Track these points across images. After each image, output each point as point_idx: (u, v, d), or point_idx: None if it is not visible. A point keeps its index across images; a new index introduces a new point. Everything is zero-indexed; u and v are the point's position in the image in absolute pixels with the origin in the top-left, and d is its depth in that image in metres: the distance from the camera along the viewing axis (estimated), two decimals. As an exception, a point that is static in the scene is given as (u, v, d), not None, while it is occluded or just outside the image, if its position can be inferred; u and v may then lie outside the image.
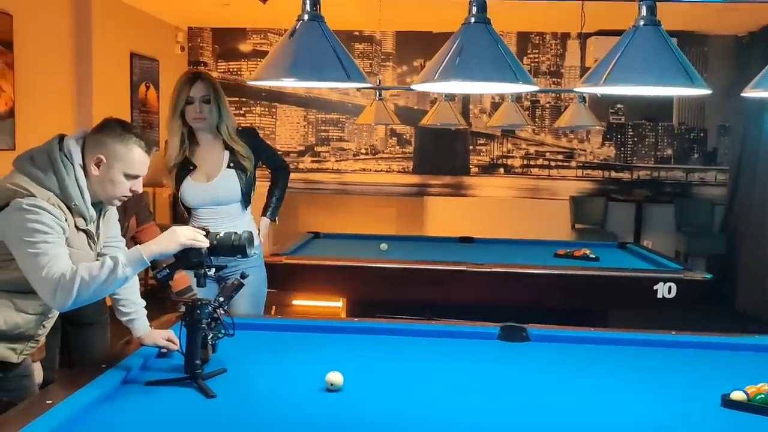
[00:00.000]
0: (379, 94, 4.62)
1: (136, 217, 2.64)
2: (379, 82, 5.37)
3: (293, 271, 4.00)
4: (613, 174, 7.01)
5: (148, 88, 6.30)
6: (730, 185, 6.68)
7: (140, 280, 2.27)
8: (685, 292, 3.62)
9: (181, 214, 2.97)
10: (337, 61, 1.77)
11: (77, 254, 1.85)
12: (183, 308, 2.02)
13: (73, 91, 5.14)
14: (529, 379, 2.01)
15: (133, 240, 2.60)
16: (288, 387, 1.89)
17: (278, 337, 2.37)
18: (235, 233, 1.91)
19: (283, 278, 3.98)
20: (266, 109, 7.25)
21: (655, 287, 3.62)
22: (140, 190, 1.96)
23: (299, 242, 4.75)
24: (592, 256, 4.18)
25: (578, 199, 6.95)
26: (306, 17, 1.80)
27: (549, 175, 7.06)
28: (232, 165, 2.82)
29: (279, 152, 3.27)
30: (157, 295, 2.26)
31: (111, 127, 1.90)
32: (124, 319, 2.11)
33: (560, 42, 6.97)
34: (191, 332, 1.90)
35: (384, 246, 4.65)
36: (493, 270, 3.83)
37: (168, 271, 1.85)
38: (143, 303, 2.16)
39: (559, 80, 6.98)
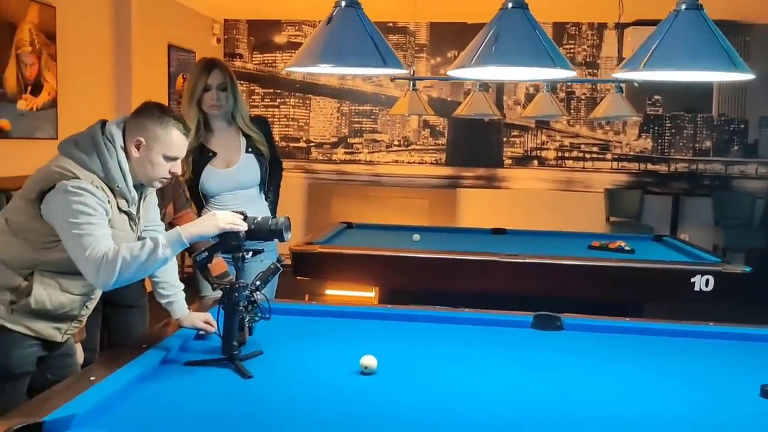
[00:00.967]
0: (413, 85, 4.61)
1: (174, 204, 2.69)
2: (413, 73, 5.36)
3: (326, 260, 4.03)
4: (650, 166, 6.90)
5: (184, 79, 6.39)
6: (772, 178, 6.52)
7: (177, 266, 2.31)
8: (723, 286, 3.56)
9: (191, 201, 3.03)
10: (373, 47, 1.78)
11: (119, 235, 1.89)
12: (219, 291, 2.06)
13: (113, 81, 5.25)
14: (563, 367, 2.00)
15: (170, 226, 2.65)
16: (322, 370, 1.91)
17: (313, 322, 2.40)
18: (273, 218, 1.94)
19: (316, 267, 4.03)
20: (300, 101, 7.30)
21: (692, 280, 3.56)
22: (179, 171, 2.01)
23: (332, 232, 4.79)
24: (628, 248, 4.12)
25: (613, 191, 6.86)
26: (343, 4, 1.82)
27: (584, 168, 6.98)
28: (250, 150, 2.88)
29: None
30: (192, 279, 2.30)
31: (150, 110, 1.95)
32: (163, 301, 2.16)
33: (596, 32, 6.87)
34: (229, 315, 1.93)
35: (416, 237, 4.66)
36: (527, 261, 3.80)
37: (207, 254, 1.89)
38: (182, 286, 2.21)
39: (595, 71, 6.89)
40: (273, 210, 3.09)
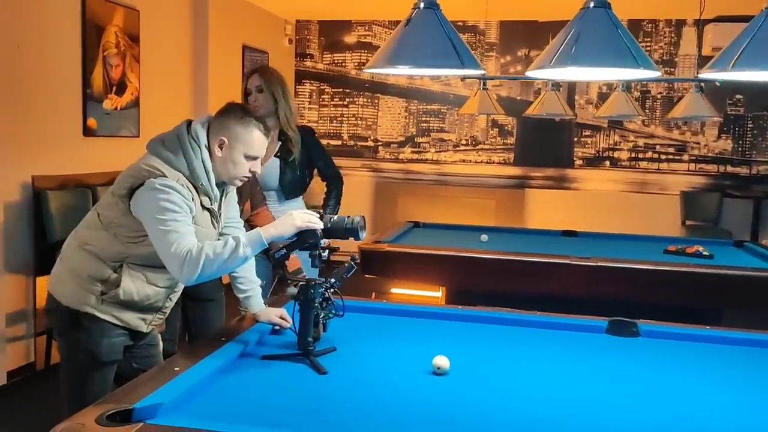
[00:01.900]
0: (483, 84, 4.58)
1: (251, 202, 2.77)
2: (484, 73, 5.31)
3: (394, 258, 4.06)
4: (730, 168, 6.62)
5: (257, 79, 6.55)
6: None
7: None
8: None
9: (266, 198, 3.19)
10: (452, 48, 1.79)
11: (202, 232, 1.97)
12: (295, 288, 2.11)
13: (191, 81, 5.43)
14: (639, 376, 1.95)
15: (248, 223, 2.73)
16: (395, 368, 1.93)
17: (383, 321, 2.43)
18: (348, 217, 1.98)
19: (384, 265, 4.06)
20: (369, 100, 7.36)
21: (776, 288, 3.40)
22: (259, 170, 2.07)
23: (399, 231, 4.81)
24: (706, 253, 3.97)
25: (690, 194, 6.61)
26: (422, 5, 1.83)
27: (658, 169, 6.76)
28: (278, 154, 3.01)
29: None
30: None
31: (233, 111, 2.01)
32: (241, 296, 2.23)
33: (674, 29, 6.64)
34: (305, 311, 1.98)
35: (485, 237, 4.63)
36: (599, 264, 3.72)
37: (285, 251, 1.94)
38: (259, 282, 2.28)
39: (672, 69, 6.66)
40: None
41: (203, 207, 1.99)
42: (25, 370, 3.75)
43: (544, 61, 1.75)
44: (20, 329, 3.79)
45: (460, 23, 7.05)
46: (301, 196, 3.22)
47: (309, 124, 7.83)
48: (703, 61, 6.36)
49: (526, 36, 6.83)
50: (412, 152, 7.33)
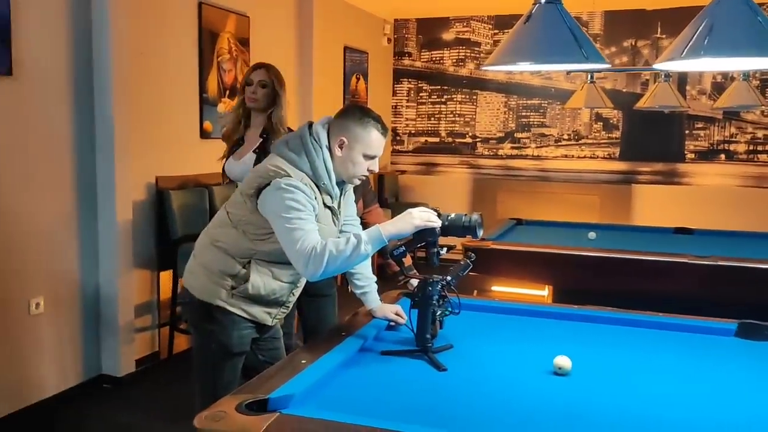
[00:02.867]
0: (591, 77, 4.44)
1: (363, 200, 2.82)
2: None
3: (499, 256, 4.02)
4: None
5: (358, 79, 6.67)
6: None
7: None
8: None
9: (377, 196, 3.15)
10: (575, 43, 1.75)
11: (324, 229, 2.03)
12: (412, 285, 2.14)
13: (296, 84, 5.60)
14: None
15: (360, 220, 2.79)
16: (514, 367, 1.92)
17: (496, 319, 2.42)
18: (466, 214, 1.98)
19: (487, 263, 4.02)
20: (467, 96, 7.32)
21: None
22: (377, 169, 2.11)
23: (503, 228, 4.77)
24: (840, 252, 3.69)
25: (816, 188, 6.15)
26: (543, 1, 1.80)
27: (780, 162, 6.33)
28: (257, 150, 2.93)
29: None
30: (383, 273, 2.39)
31: (352, 112, 2.06)
32: (357, 291, 2.29)
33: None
34: (423, 308, 2.00)
35: (592, 234, 4.51)
36: (719, 264, 3.54)
37: (404, 248, 1.97)
38: (374, 278, 2.32)
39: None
40: None
41: (325, 205, 2.05)
42: (151, 358, 4.00)
43: (674, 52, 1.69)
44: (146, 320, 4.04)
45: (562, 15, 6.87)
46: None
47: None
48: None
49: (633, 26, 6.57)
50: (512, 148, 7.22)
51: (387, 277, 2.66)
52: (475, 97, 7.29)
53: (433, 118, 7.46)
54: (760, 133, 6.38)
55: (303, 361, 1.83)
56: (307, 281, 2.05)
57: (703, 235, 4.70)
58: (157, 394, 3.47)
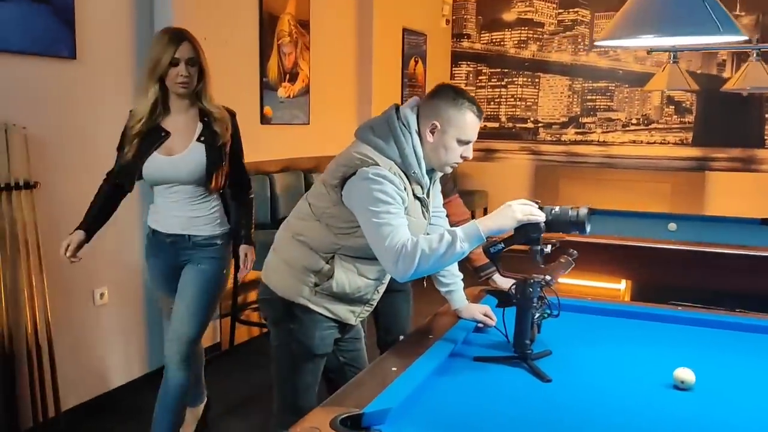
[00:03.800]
0: (674, 57, 4.15)
1: (442, 190, 2.64)
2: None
3: (575, 247, 3.80)
4: None
5: (416, 62, 6.46)
6: None
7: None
8: None
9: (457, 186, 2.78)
10: (706, 11, 1.53)
11: (413, 222, 1.86)
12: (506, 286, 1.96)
13: (356, 67, 5.44)
14: None
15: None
16: (625, 377, 1.73)
17: (591, 321, 2.22)
18: (573, 208, 1.79)
19: (561, 255, 3.81)
20: (529, 80, 7.04)
21: None
22: (470, 156, 1.93)
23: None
24: None
25: None
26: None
27: None
28: (202, 138, 2.45)
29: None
30: (463, 269, 2.21)
31: (445, 92, 1.88)
32: (443, 290, 2.12)
33: None
34: (523, 311, 1.82)
35: (673, 226, 4.23)
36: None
37: (503, 245, 1.78)
38: (461, 276, 2.16)
39: None
40: (249, 228, 2.63)
41: (414, 196, 1.88)
42: (213, 349, 3.93)
43: None
44: (207, 311, 3.96)
45: (632, -8, 6.52)
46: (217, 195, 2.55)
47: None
48: None
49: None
50: (576, 133, 6.92)
51: (467, 273, 2.48)
52: (537, 80, 7.00)
53: (492, 103, 7.20)
54: None
55: (393, 369, 1.68)
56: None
57: (793, 226, 4.37)
58: (219, 385, 3.39)
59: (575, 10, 6.76)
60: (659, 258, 3.60)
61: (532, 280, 1.81)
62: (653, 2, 1.56)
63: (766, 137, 6.22)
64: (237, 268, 2.63)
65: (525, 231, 1.74)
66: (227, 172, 2.52)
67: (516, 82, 7.09)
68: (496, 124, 7.18)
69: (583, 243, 3.78)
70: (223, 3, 3.96)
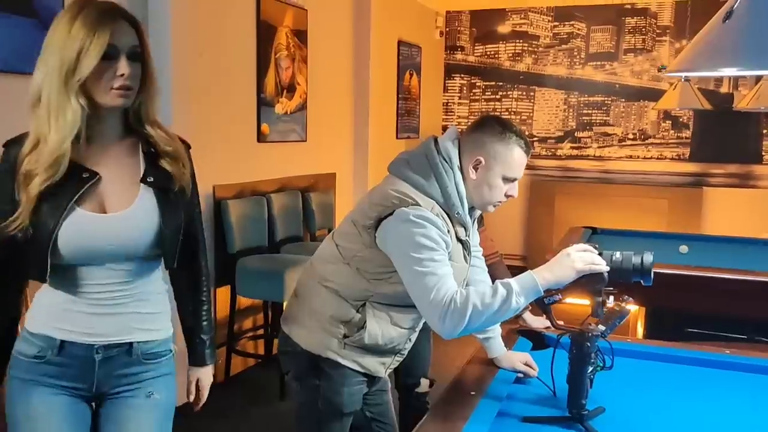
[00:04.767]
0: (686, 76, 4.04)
1: None
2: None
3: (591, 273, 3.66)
4: None
5: (411, 75, 6.30)
6: None
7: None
8: None
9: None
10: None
11: (456, 268, 1.69)
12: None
13: (353, 81, 5.25)
14: None
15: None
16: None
17: (645, 367, 2.06)
18: (636, 253, 1.62)
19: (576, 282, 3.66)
20: (524, 93, 6.91)
21: None
22: (516, 194, 1.77)
23: (580, 238, 4.39)
24: None
25: None
26: (750, -9, 1.42)
27: None
28: (150, 180, 1.51)
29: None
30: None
31: (490, 125, 1.72)
32: (480, 336, 1.94)
33: None
34: (578, 367, 1.65)
35: (684, 248, 4.11)
36: None
37: (560, 297, 1.61)
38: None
39: None
40: (212, 340, 1.72)
41: (457, 239, 1.71)
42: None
43: None
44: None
45: (628, 6, 6.44)
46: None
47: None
48: None
49: (706, 17, 6.10)
50: (572, 148, 6.81)
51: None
52: (532, 93, 6.88)
53: (486, 116, 7.06)
54: None
55: (444, 438, 1.49)
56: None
57: (803, 247, 4.28)
58: (213, 419, 3.16)
59: (571, 23, 6.66)
60: (676, 285, 3.47)
61: (590, 334, 1.64)
62: (735, 33, 1.41)
63: (763, 153, 6.16)
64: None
65: (586, 282, 1.57)
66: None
67: (511, 96, 6.96)
68: (490, 138, 7.03)
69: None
70: (220, 14, 3.75)
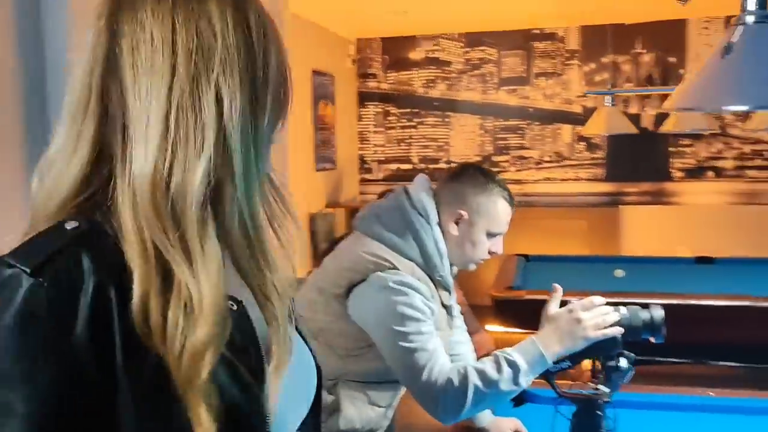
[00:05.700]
0: (612, 100, 4.05)
1: (468, 329, 2.26)
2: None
3: (534, 308, 3.56)
4: None
5: (326, 104, 6.09)
6: None
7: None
8: None
9: None
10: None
11: (440, 337, 1.47)
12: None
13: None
14: None
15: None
16: None
17: (641, 417, 1.90)
18: (643, 308, 1.46)
19: (519, 317, 3.56)
20: (439, 119, 6.86)
21: None
22: (501, 251, 1.58)
23: (516, 269, 4.30)
24: None
25: (807, 203, 6.01)
26: (749, 20, 1.31)
27: (769, 177, 6.16)
28: None
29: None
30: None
31: (471, 175, 1.53)
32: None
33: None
34: (588, 437, 1.46)
35: (620, 272, 4.10)
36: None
37: (570, 363, 1.42)
38: (481, 385, 1.77)
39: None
40: None
41: (442, 304, 1.49)
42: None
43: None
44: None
45: (537, 31, 6.54)
46: None
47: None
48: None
49: (612, 41, 6.29)
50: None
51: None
52: (448, 119, 6.83)
53: (403, 144, 6.95)
54: (747, 148, 6.21)
55: None
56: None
57: (726, 264, 4.39)
58: None
59: (482, 48, 6.68)
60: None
61: (599, 401, 1.45)
62: (736, 69, 1.28)
63: (671, 170, 6.37)
64: None
65: (598, 348, 1.39)
66: None
67: (426, 122, 6.88)
68: (409, 166, 6.92)
69: (538, 301, 3.55)
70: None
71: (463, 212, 1.51)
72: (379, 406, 1.54)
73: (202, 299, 0.63)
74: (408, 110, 6.91)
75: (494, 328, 3.67)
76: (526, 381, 1.35)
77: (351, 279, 1.42)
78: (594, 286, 3.70)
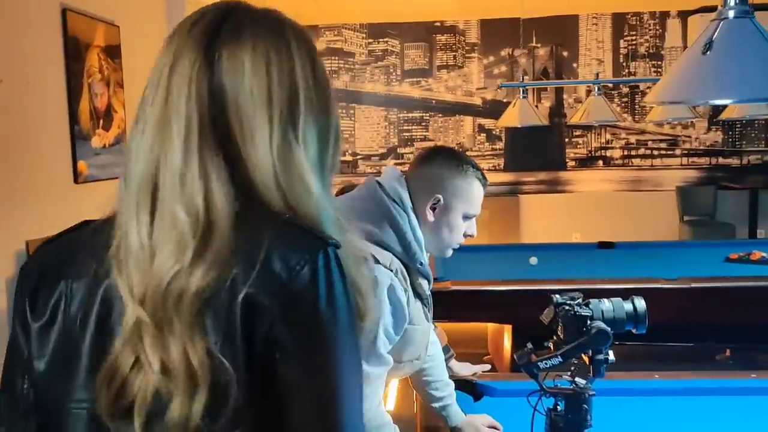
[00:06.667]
0: (524, 92, 4.17)
1: None
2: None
3: (460, 298, 3.61)
4: (722, 160, 6.58)
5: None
6: None
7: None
8: None
9: None
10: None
11: (418, 331, 1.45)
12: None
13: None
14: None
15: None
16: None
17: (620, 404, 1.95)
18: (628, 300, 1.49)
19: (449, 308, 3.58)
20: (343, 111, 6.79)
21: None
22: (475, 233, 1.57)
23: (435, 259, 4.34)
24: (773, 258, 3.77)
25: (685, 189, 6.52)
26: (730, 14, 1.36)
27: (652, 165, 6.62)
28: None
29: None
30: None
31: (445, 158, 1.51)
32: (437, 405, 1.70)
33: (659, 21, 6.50)
34: (576, 430, 1.47)
35: (534, 260, 4.23)
36: (692, 286, 3.41)
37: (560, 360, 1.42)
38: (453, 383, 1.75)
39: (659, 63, 6.53)
40: None
41: (416, 295, 1.46)
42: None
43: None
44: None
45: (438, 24, 6.62)
46: None
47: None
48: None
49: (509, 35, 6.49)
50: (396, 164, 6.83)
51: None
52: (352, 111, 6.78)
53: (306, 136, 6.82)
54: (633, 139, 6.64)
55: None
56: None
57: (626, 249, 4.65)
58: None
59: (385, 39, 6.68)
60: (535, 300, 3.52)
61: (586, 394, 1.46)
62: (718, 63, 1.33)
63: (567, 160, 6.69)
64: None
65: (592, 343, 1.39)
66: None
67: (330, 114, 6.80)
68: (313, 158, 6.81)
69: (475, 291, 3.60)
70: (21, 33, 3.05)
71: (439, 196, 1.47)
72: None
73: None
74: (311, 101, 6.78)
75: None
76: None
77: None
78: (511, 275, 3.83)
